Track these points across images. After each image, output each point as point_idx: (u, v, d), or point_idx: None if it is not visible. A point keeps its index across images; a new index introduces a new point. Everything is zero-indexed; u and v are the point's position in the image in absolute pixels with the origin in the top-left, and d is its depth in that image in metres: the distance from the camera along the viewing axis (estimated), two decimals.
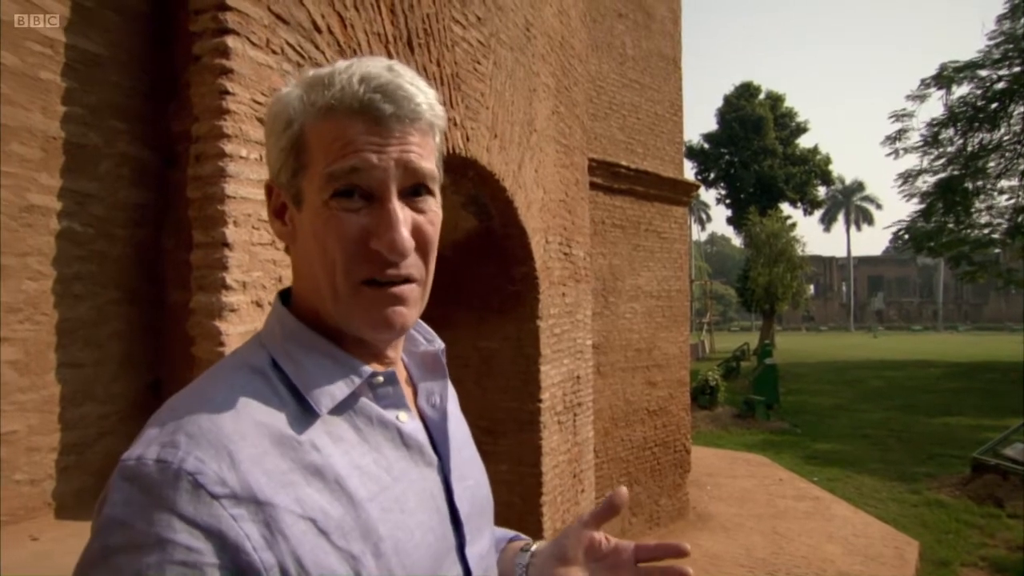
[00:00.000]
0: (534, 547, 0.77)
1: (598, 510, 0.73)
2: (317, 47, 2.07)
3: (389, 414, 0.62)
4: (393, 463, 0.59)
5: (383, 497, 0.57)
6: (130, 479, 0.48)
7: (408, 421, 0.63)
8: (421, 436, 0.64)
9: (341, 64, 0.59)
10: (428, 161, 0.59)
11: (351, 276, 0.57)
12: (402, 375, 0.67)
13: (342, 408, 0.58)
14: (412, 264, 0.59)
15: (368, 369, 0.60)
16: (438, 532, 0.61)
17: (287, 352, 0.59)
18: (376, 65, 0.58)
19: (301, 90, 0.59)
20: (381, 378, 0.61)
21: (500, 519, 0.84)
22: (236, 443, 0.50)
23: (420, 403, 0.68)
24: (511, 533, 0.83)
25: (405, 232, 0.57)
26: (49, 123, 1.57)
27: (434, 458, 0.64)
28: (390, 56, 2.48)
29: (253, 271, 1.76)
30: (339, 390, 0.58)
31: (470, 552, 0.65)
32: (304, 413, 0.56)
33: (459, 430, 0.71)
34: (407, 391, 0.66)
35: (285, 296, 0.65)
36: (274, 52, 1.87)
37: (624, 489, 0.73)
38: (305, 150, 0.57)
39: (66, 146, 1.61)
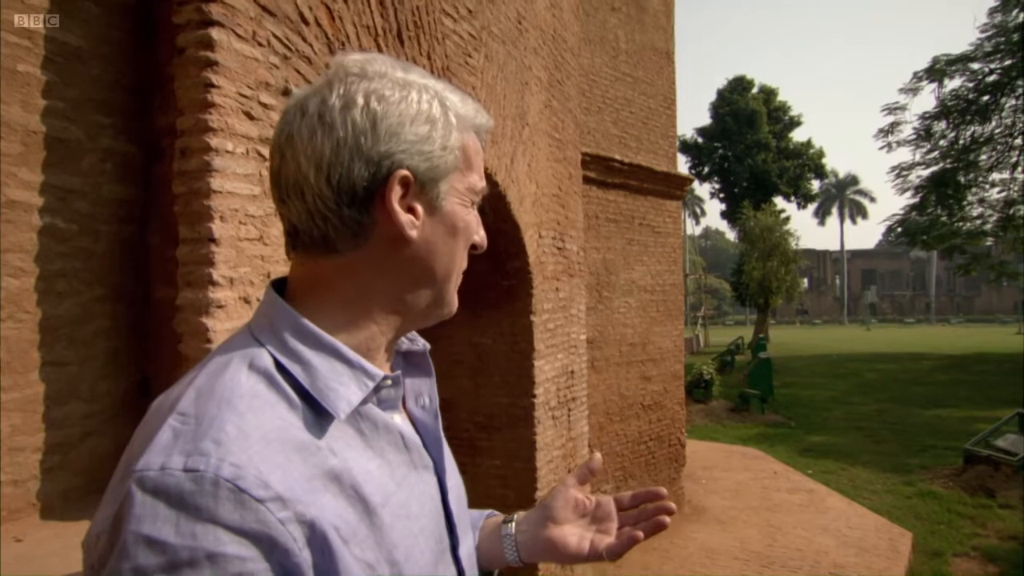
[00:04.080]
0: (516, 516, 0.80)
1: (578, 472, 0.80)
2: (305, 39, 2.04)
3: (389, 417, 0.61)
4: (395, 468, 0.59)
5: (392, 503, 0.56)
6: (154, 491, 0.45)
7: (402, 423, 0.63)
8: (416, 438, 0.64)
9: (440, 86, 0.64)
10: None
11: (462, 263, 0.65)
12: None
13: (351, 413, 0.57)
14: None
15: (380, 372, 0.59)
16: (436, 535, 0.61)
17: (295, 353, 0.56)
18: (464, 94, 0.66)
19: (445, 96, 0.62)
20: (389, 381, 0.60)
21: None
22: (264, 448, 0.48)
23: (408, 404, 0.67)
24: (485, 511, 0.85)
25: None
26: (29, 117, 1.54)
27: (429, 460, 0.64)
28: (379, 49, 2.46)
29: (240, 267, 1.73)
30: (354, 394, 0.56)
31: (462, 552, 0.65)
32: (316, 417, 0.54)
33: (441, 430, 0.71)
34: None
35: (277, 290, 0.62)
36: (260, 44, 1.84)
37: (599, 455, 0.80)
38: (463, 155, 0.62)
39: (47, 141, 1.58)
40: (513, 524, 0.78)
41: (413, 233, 0.59)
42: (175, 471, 0.45)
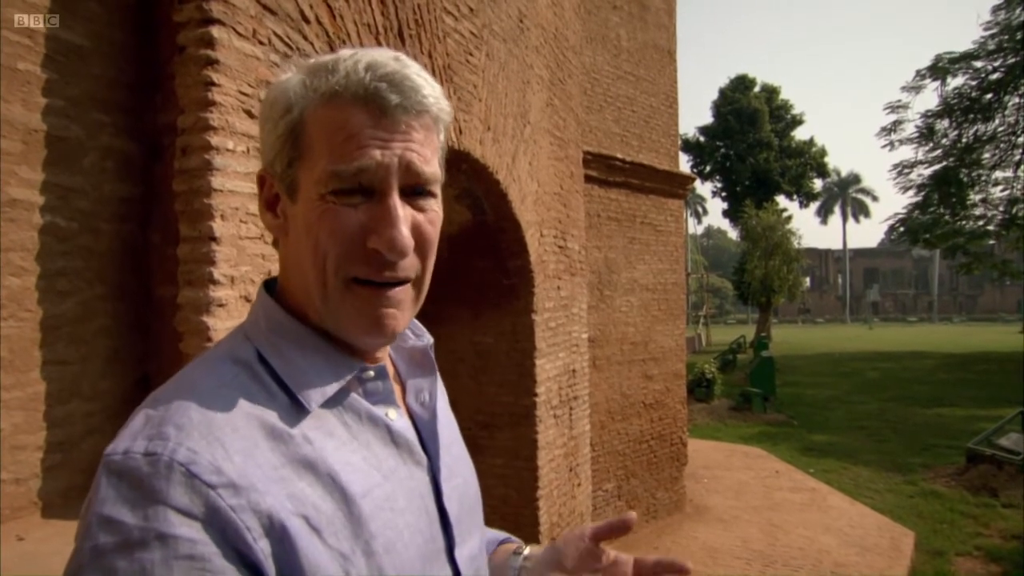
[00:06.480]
0: (526, 551, 0.76)
1: (603, 526, 0.72)
2: (305, 38, 2.04)
3: (378, 411, 0.60)
4: (382, 461, 0.58)
5: (374, 494, 0.55)
6: (117, 474, 0.46)
7: (397, 419, 0.61)
8: (410, 434, 0.62)
9: (346, 52, 0.56)
10: (431, 164, 0.57)
11: (342, 272, 0.54)
12: (390, 371, 0.65)
13: (331, 404, 0.57)
14: (409, 265, 0.56)
15: (358, 363, 0.59)
16: (427, 534, 0.60)
17: (274, 345, 0.57)
18: (383, 54, 0.56)
19: (303, 75, 0.56)
20: (371, 372, 0.60)
21: (496, 513, 0.83)
22: (228, 434, 0.49)
23: (408, 400, 0.66)
24: (502, 535, 0.82)
25: (405, 230, 0.54)
26: (30, 115, 1.54)
27: (423, 457, 0.63)
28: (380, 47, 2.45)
29: (241, 265, 1.73)
30: (328, 385, 0.56)
31: (459, 554, 0.63)
32: (294, 407, 0.54)
33: (448, 428, 0.69)
34: (395, 388, 0.64)
35: (269, 286, 0.63)
36: (261, 43, 1.84)
37: (633, 514, 0.73)
38: (303, 138, 0.55)
39: (48, 139, 1.58)
40: (521, 558, 0.75)
41: (277, 233, 0.60)
42: (136, 454, 0.46)
